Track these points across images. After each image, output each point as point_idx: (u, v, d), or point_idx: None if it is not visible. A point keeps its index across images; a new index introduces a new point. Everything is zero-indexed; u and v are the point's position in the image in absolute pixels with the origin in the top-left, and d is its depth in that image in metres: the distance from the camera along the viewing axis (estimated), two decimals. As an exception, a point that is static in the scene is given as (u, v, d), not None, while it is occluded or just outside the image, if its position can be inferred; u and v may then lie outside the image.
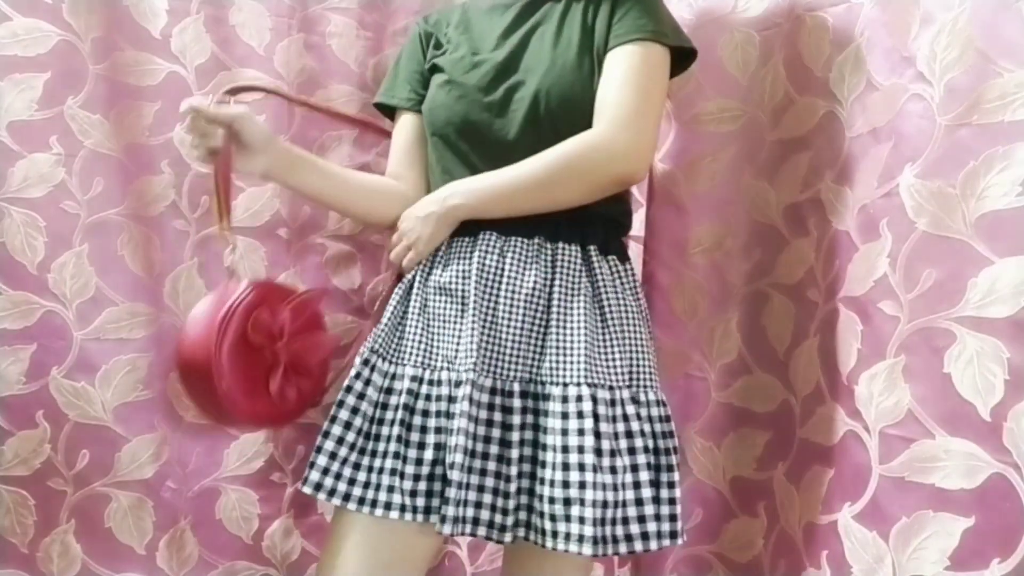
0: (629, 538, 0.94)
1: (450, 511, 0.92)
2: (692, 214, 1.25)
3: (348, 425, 0.99)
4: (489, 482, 0.95)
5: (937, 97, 0.87)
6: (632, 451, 0.97)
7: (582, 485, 0.91)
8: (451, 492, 0.93)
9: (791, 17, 1.14)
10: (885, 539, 0.88)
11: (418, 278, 1.06)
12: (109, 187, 1.27)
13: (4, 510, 1.24)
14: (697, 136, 1.25)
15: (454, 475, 0.93)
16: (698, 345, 1.24)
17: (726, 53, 1.22)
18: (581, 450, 0.92)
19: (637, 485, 0.96)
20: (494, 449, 0.97)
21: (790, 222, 1.14)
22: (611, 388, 0.98)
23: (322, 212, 1.34)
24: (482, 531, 0.95)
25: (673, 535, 0.96)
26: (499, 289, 1.01)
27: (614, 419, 0.97)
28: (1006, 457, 0.79)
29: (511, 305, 1.00)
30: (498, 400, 0.98)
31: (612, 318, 1.03)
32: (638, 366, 1.02)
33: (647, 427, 0.99)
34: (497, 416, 0.97)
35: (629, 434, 0.97)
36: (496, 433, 0.97)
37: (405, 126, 1.19)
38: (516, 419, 0.97)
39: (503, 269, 1.02)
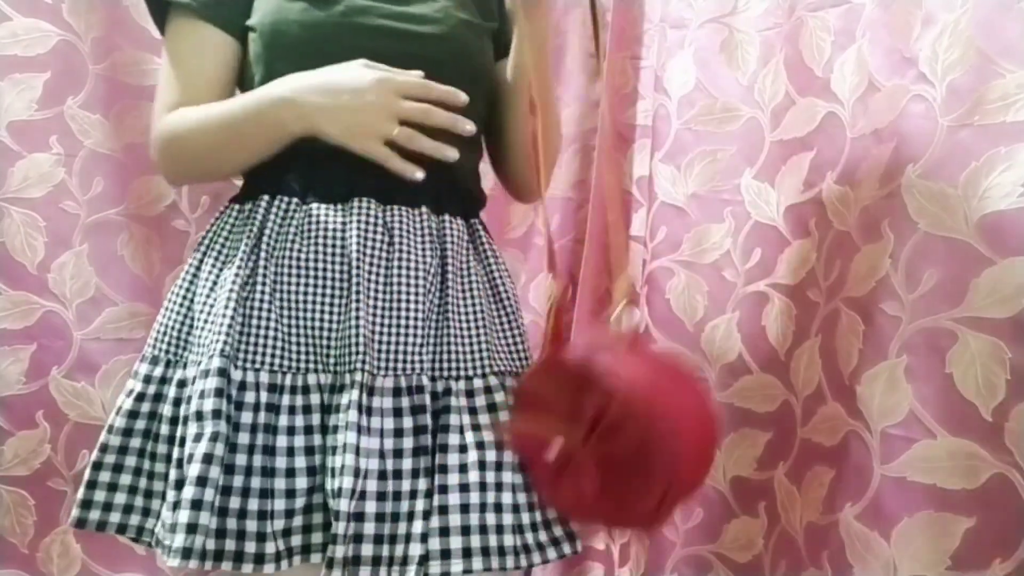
0: (556, 542, 0.83)
1: (339, 551, 0.73)
2: (692, 214, 1.25)
3: (210, 459, 0.73)
4: (403, 507, 0.77)
5: (939, 98, 0.87)
6: None
7: (499, 487, 0.79)
8: (339, 527, 0.73)
9: (792, 18, 1.14)
10: (886, 539, 0.88)
11: (262, 257, 0.82)
12: (109, 187, 1.27)
13: (4, 510, 1.23)
14: (697, 136, 1.25)
15: (342, 504, 0.73)
16: (698, 345, 1.24)
17: (726, 53, 1.22)
18: (500, 446, 0.80)
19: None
20: (407, 464, 0.78)
21: (791, 223, 1.14)
22: (518, 376, 0.87)
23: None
24: (395, 572, 0.75)
25: (572, 537, 0.84)
26: (391, 267, 0.83)
27: None
28: (1007, 457, 0.79)
29: (408, 287, 0.83)
30: (405, 402, 0.80)
31: (506, 300, 0.91)
32: (530, 353, 0.92)
33: None
34: (408, 422, 0.79)
35: None
36: (408, 444, 0.78)
37: (210, 45, 0.89)
38: (429, 420, 0.80)
39: (391, 243, 0.84)
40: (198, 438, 0.74)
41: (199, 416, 0.75)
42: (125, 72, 1.28)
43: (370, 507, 0.75)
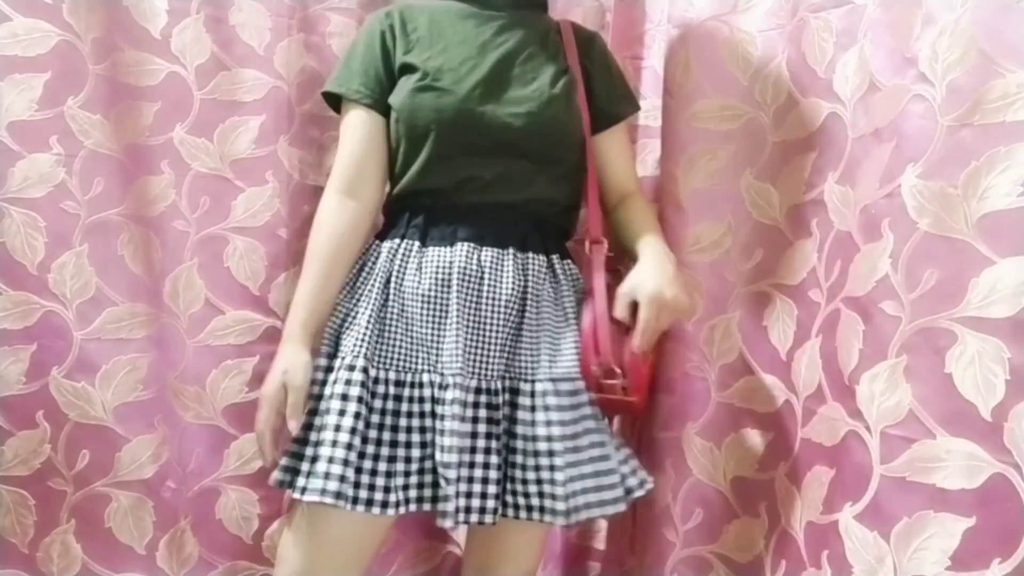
0: (592, 505, 1.07)
1: (450, 506, 1.03)
2: (690, 212, 1.24)
3: (353, 431, 1.02)
4: (478, 473, 1.06)
5: (939, 98, 0.87)
6: (597, 430, 1.11)
7: (552, 468, 1.04)
8: (449, 489, 1.02)
9: (795, 18, 1.14)
10: (886, 539, 0.88)
11: (393, 286, 1.12)
12: (109, 187, 1.27)
13: (4, 510, 1.24)
14: (695, 134, 1.24)
15: (450, 473, 1.02)
16: (696, 345, 1.24)
17: (727, 52, 1.21)
18: (549, 439, 1.05)
19: (603, 458, 1.10)
20: (481, 443, 1.07)
21: (793, 223, 1.14)
22: (572, 380, 1.10)
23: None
24: (474, 517, 1.05)
25: (642, 483, 1.13)
26: (480, 296, 1.10)
27: (578, 407, 1.09)
28: (1007, 457, 0.79)
29: (492, 310, 1.11)
30: (483, 399, 1.08)
31: (574, 318, 1.15)
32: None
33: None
34: (483, 413, 1.08)
35: (593, 417, 1.11)
36: (482, 428, 1.08)
37: (360, 125, 1.17)
38: (500, 414, 1.09)
39: (483, 277, 1.11)
40: (342, 413, 1.02)
41: (344, 398, 1.03)
42: (125, 72, 1.28)
43: (463, 472, 1.05)
